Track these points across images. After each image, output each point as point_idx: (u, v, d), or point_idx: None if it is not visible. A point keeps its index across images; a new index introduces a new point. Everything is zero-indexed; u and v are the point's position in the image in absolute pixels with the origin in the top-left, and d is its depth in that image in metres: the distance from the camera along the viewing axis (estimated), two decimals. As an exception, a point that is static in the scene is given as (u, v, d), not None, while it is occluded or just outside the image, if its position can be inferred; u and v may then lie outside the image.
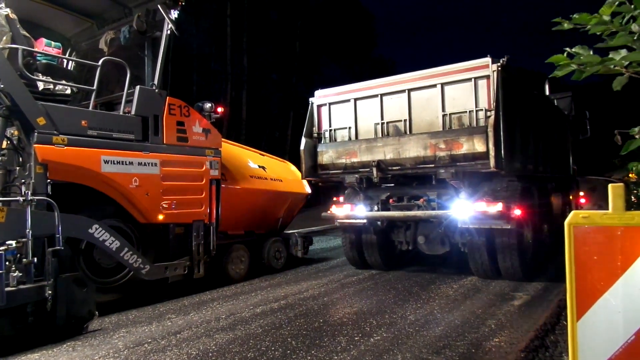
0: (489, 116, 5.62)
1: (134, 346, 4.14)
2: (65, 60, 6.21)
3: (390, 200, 6.71)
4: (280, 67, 27.12)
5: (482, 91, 5.74)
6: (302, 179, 7.06)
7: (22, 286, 4.15)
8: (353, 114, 6.87)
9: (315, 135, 7.23)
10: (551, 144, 8.21)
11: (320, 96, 7.28)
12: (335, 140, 7.08)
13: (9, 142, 4.75)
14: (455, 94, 5.98)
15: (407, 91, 6.35)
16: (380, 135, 6.57)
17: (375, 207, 6.75)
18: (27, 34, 5.19)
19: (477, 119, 5.79)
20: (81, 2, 6.45)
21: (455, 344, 3.92)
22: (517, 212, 5.71)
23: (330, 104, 7.14)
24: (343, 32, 30.57)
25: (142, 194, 5.58)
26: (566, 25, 2.02)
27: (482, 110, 5.76)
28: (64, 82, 5.59)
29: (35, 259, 4.31)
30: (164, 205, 5.81)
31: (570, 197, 10.38)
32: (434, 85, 6.14)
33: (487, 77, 5.68)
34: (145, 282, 5.71)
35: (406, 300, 5.42)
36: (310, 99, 7.31)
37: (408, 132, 6.33)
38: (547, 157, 7.76)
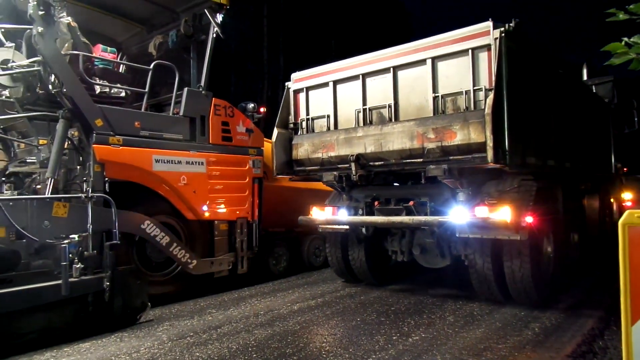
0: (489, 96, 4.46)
1: (177, 339, 4.33)
2: (119, 65, 6.54)
3: (376, 203, 5.63)
4: (317, 66, 27.22)
5: (482, 65, 4.53)
6: (274, 176, 6.12)
7: (83, 277, 4.44)
8: (332, 99, 5.72)
9: (292, 125, 6.17)
10: (584, 136, 7.03)
11: (297, 80, 6.16)
12: (313, 131, 5.93)
13: (70, 142, 5.07)
14: (450, 70, 4.78)
15: (392, 69, 5.15)
16: (362, 124, 5.41)
17: (360, 211, 5.68)
18: (86, 41, 5.52)
19: (475, 101, 4.56)
20: (132, 9, 6.77)
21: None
22: (528, 219, 4.53)
23: (307, 88, 6.02)
24: (379, 30, 30.36)
25: (189, 192, 5.82)
26: (621, 16, 1.99)
27: (481, 89, 4.53)
28: (118, 85, 5.90)
29: (95, 252, 4.60)
30: (210, 203, 6.04)
31: (612, 200, 9.01)
32: (423, 61, 4.90)
33: (488, 47, 4.49)
34: (192, 277, 5.95)
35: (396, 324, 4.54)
36: (287, 84, 6.28)
37: (393, 119, 5.16)
38: (577, 152, 6.58)
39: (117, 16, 6.79)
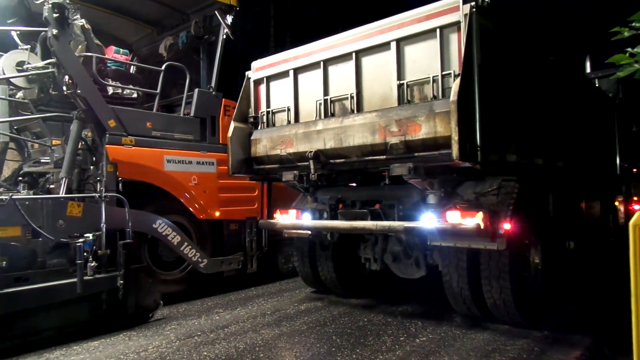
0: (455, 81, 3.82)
1: (185, 338, 4.37)
2: (130, 66, 6.62)
3: (340, 206, 5.09)
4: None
5: (452, 48, 3.93)
6: (229, 175, 5.48)
7: (97, 275, 4.51)
8: (292, 90, 5.09)
9: (252, 119, 5.52)
10: (583, 133, 6.38)
11: (257, 68, 5.51)
12: (274, 125, 5.33)
13: (83, 143, 5.15)
14: (416, 54, 4.17)
15: (354, 55, 4.54)
16: (323, 117, 4.79)
17: (325, 214, 5.10)
18: (99, 42, 5.60)
19: (444, 89, 3.95)
20: (143, 11, 6.85)
21: None
22: (506, 225, 3.93)
23: (267, 78, 5.40)
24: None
25: (200, 192, 5.89)
26: (626, 34, 2.00)
27: (451, 75, 3.93)
28: (130, 86, 5.98)
29: (109, 251, 4.67)
30: (220, 203, 6.10)
31: (617, 203, 8.30)
32: (387, 45, 4.30)
33: (458, 26, 3.87)
34: (201, 276, 6.01)
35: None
36: (247, 73, 5.64)
37: (355, 111, 4.55)
38: (574, 150, 5.89)
39: (129, 18, 6.88)
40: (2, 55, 5.00)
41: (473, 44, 3.76)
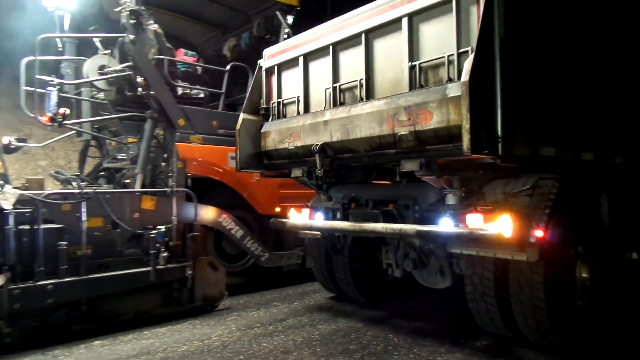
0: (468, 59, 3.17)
1: (245, 329, 4.53)
2: (197, 67, 6.94)
3: (352, 205, 4.69)
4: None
5: (472, 20, 3.30)
6: (237, 170, 5.11)
7: (169, 265, 4.80)
8: (302, 78, 4.67)
9: (263, 111, 5.13)
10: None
11: (269, 56, 5.13)
12: (285, 116, 4.93)
13: (156, 141, 5.49)
14: (430, 31, 3.60)
15: (363, 35, 4.04)
16: (332, 106, 4.33)
17: (338, 214, 4.75)
18: (170, 46, 5.93)
19: (460, 70, 3.26)
20: (209, 14, 7.16)
21: None
22: (538, 233, 3.31)
23: (278, 67, 5.01)
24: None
25: (261, 188, 6.08)
26: None
27: (469, 53, 3.25)
28: (198, 86, 6.28)
29: (179, 243, 4.96)
30: (280, 198, 6.26)
31: None
32: (398, 21, 3.75)
33: None
34: (261, 270, 6.20)
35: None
36: (259, 62, 5.30)
37: (364, 99, 4.03)
38: (637, 144, 4.61)
39: (196, 21, 7.21)
40: (86, 60, 5.43)
41: (494, 12, 3.08)
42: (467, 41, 3.32)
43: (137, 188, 5.04)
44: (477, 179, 3.82)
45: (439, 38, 3.53)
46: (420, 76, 3.62)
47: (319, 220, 4.80)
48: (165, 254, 4.73)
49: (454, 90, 3.23)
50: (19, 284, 3.94)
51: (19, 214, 3.99)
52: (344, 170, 4.70)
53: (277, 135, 4.82)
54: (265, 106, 5.13)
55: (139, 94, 5.35)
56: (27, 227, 4.07)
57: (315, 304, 5.46)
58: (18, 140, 5.20)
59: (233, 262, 6.15)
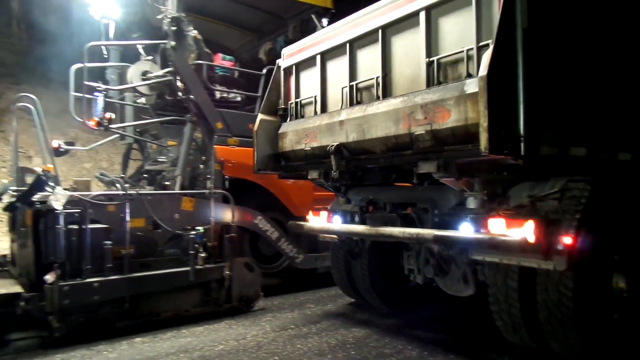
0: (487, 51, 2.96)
1: (279, 330, 4.56)
2: (235, 71, 7.09)
3: (370, 208, 4.56)
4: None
5: (493, 12, 3.08)
6: (254, 172, 5.00)
7: (207, 265, 4.91)
8: (319, 77, 4.52)
9: (281, 111, 5.02)
10: None
11: (287, 56, 4.99)
12: (303, 117, 4.79)
13: (195, 143, 5.63)
14: (449, 24, 3.41)
15: (380, 31, 3.87)
16: (348, 105, 4.17)
17: (357, 217, 4.60)
18: (209, 51, 6.08)
19: (479, 64, 3.02)
20: (245, 19, 7.28)
21: None
22: (566, 240, 3.04)
23: (296, 66, 4.86)
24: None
25: (296, 190, 6.12)
26: None
27: (489, 46, 2.97)
28: (235, 90, 6.41)
29: (216, 243, 5.07)
30: (315, 201, 6.28)
31: None
32: (415, 14, 3.57)
33: None
34: (295, 271, 6.24)
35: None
36: (277, 61, 5.18)
37: (381, 97, 3.85)
38: None
39: (233, 26, 7.35)
40: (130, 66, 5.65)
41: (516, 1, 2.84)
42: (488, 34, 3.10)
43: (177, 190, 5.19)
44: (500, 181, 3.56)
45: (458, 32, 3.32)
46: (438, 73, 3.42)
47: (336, 223, 4.68)
48: (203, 255, 4.84)
49: (472, 86, 3.02)
50: (68, 281, 4.14)
51: (68, 214, 4.18)
52: (361, 172, 4.59)
53: (294, 136, 4.69)
54: (283, 106, 5.01)
55: (179, 98, 5.52)
56: (75, 226, 4.27)
57: (349, 307, 5.44)
58: (66, 143, 5.47)
59: (268, 263, 6.22)
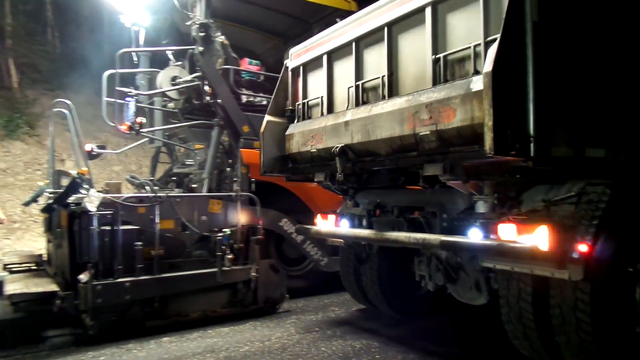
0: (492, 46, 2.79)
1: (304, 332, 4.57)
2: (261, 75, 7.18)
3: (377, 212, 4.40)
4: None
5: (502, 4, 2.86)
6: (260, 174, 4.92)
7: (233, 267, 4.98)
8: (326, 77, 4.39)
9: (288, 112, 4.91)
10: None
11: (295, 56, 4.87)
12: (310, 118, 4.66)
13: (222, 147, 5.72)
14: (456, 20, 3.27)
15: (385, 29, 3.73)
16: (354, 105, 4.02)
17: (364, 221, 4.45)
18: (235, 55, 6.18)
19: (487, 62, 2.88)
20: (271, 23, 7.37)
21: None
22: (582, 247, 2.82)
23: (304, 66, 4.74)
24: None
25: (321, 192, 6.10)
26: None
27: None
28: (261, 94, 6.49)
29: (243, 245, 5.13)
30: (339, 204, 6.28)
31: None
32: (422, 10, 3.44)
33: None
34: (319, 274, 6.24)
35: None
36: (285, 62, 5.08)
37: (386, 96, 3.70)
38: None
39: (259, 31, 7.45)
40: (159, 71, 5.79)
41: None
42: (497, 29, 2.86)
43: (205, 192, 5.29)
44: (513, 184, 3.36)
45: (465, 27, 3.16)
46: (445, 71, 3.25)
47: (343, 227, 4.53)
48: (230, 256, 4.91)
49: (478, 84, 2.83)
50: (100, 281, 4.26)
51: (101, 215, 4.31)
52: (367, 174, 4.45)
53: (300, 137, 4.56)
54: (290, 108, 4.90)
55: (206, 102, 5.62)
56: (108, 227, 4.40)
57: (374, 310, 5.42)
58: (98, 147, 5.64)
59: (293, 265, 6.25)
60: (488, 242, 3.11)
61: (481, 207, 3.39)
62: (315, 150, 4.30)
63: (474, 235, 3.25)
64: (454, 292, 4.18)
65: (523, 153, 2.65)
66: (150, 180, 5.49)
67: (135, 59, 6.52)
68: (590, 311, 2.92)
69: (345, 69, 4.23)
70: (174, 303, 4.70)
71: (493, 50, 2.62)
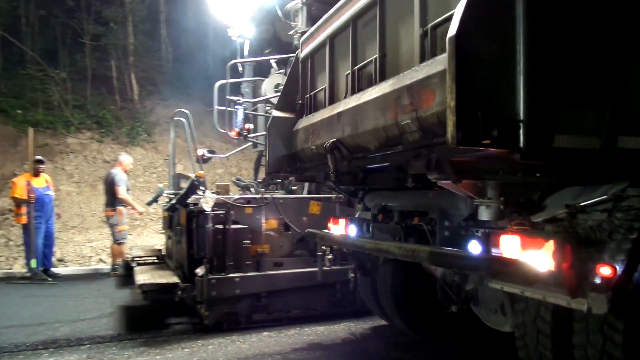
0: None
1: (399, 336, 4.55)
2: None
3: (380, 216, 3.87)
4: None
5: None
6: (266, 174, 4.38)
7: (333, 267, 5.08)
8: (327, 64, 3.80)
9: (298, 106, 4.33)
10: None
11: (305, 45, 4.33)
12: (316, 110, 4.03)
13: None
14: None
15: (378, 3, 3.09)
16: (350, 94, 3.38)
17: (370, 227, 3.97)
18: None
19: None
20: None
21: None
22: (605, 270, 1.99)
23: (311, 55, 4.17)
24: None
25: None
26: None
27: None
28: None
29: (342, 247, 5.22)
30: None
31: None
32: None
33: None
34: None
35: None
36: (297, 52, 4.57)
37: (377, 81, 3.08)
38: None
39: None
40: (263, 80, 6.15)
41: None
42: None
43: (305, 194, 5.48)
44: (528, 185, 2.62)
45: None
46: (433, 45, 2.55)
47: (345, 234, 4.07)
48: (330, 257, 5.02)
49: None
50: (214, 275, 4.63)
51: (215, 215, 4.68)
52: (363, 173, 3.89)
53: (303, 133, 4.00)
54: (300, 101, 4.31)
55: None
56: (220, 226, 4.76)
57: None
58: (209, 152, 6.14)
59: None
60: (480, 257, 2.42)
61: (484, 214, 2.69)
62: (314, 146, 3.74)
63: (472, 248, 2.57)
64: (480, 315, 3.49)
65: (505, 143, 2.01)
66: (258, 182, 5.83)
67: (240, 68, 6.99)
68: (622, 350, 2.12)
69: (345, 54, 3.61)
70: (278, 299, 4.94)
71: (460, 5, 1.93)
